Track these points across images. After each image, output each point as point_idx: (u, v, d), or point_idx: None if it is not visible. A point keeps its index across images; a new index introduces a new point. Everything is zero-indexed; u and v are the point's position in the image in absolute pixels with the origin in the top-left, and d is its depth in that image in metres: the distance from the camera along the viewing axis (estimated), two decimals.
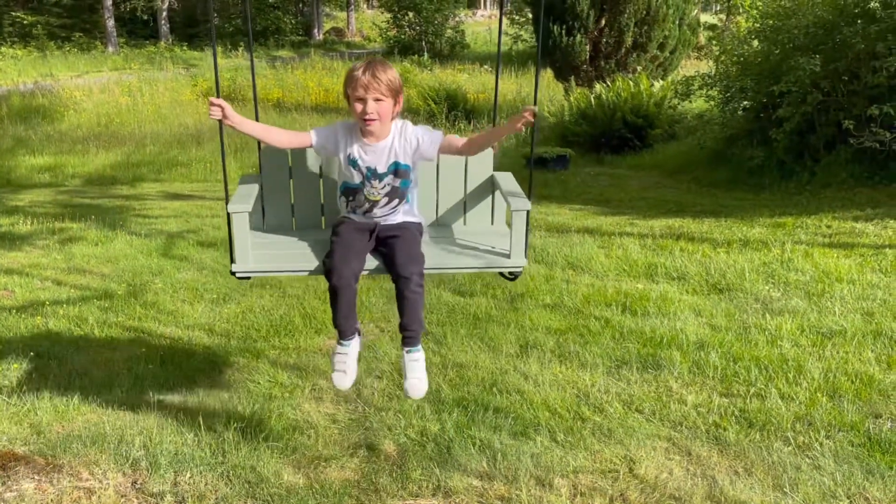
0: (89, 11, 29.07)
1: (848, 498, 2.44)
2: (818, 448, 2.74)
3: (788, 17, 8.21)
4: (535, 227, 6.27)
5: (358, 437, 2.95)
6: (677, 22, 13.38)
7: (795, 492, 2.48)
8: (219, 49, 24.16)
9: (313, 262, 2.67)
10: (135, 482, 2.60)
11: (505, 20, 27.17)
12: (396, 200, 2.78)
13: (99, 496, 2.52)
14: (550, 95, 14.63)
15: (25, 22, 26.93)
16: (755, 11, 9.08)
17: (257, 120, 2.93)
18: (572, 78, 13.90)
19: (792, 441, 2.80)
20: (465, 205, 3.16)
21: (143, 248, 5.89)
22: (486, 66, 19.15)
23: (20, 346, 3.86)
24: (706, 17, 23.01)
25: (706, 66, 11.60)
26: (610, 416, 3.02)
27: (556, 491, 2.49)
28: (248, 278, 2.77)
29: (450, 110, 13.32)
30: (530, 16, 18.54)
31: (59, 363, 3.67)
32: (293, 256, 2.76)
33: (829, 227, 5.98)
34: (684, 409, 3.07)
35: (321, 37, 33.22)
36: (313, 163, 3.03)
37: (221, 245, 6.02)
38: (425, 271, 2.62)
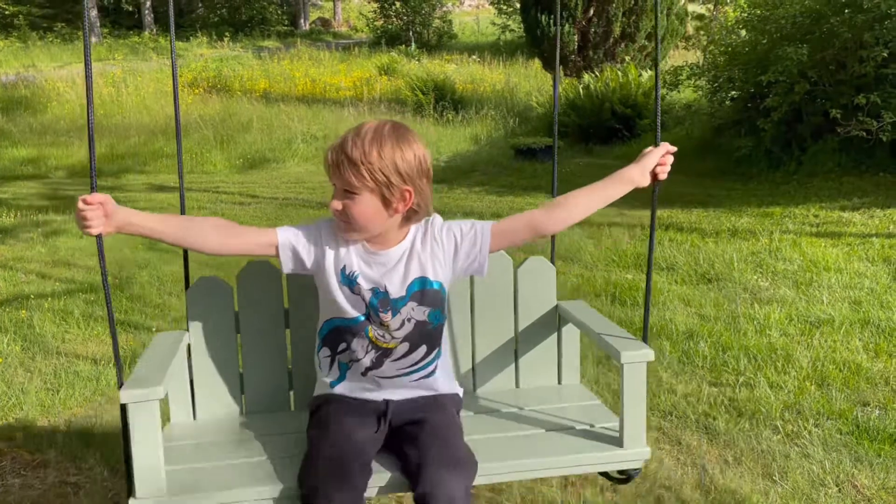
0: (72, 1, 28.74)
1: (837, 485, 2.45)
2: (807, 436, 2.75)
3: (776, 6, 8.23)
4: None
5: None
6: (665, 12, 13.37)
7: (785, 480, 2.49)
8: (203, 39, 23.98)
9: (278, 483, 1.66)
10: (122, 477, 2.57)
11: (492, 10, 27.09)
12: (424, 348, 1.76)
13: (87, 491, 2.49)
14: (539, 86, 14.61)
15: (7, 12, 26.60)
16: (743, 1, 9.09)
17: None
18: (561, 68, 13.88)
19: (781, 429, 2.81)
20: (517, 353, 2.15)
21: (128, 241, 5.83)
22: (473, 57, 19.09)
23: (4, 340, 3.82)
24: (694, 7, 23.02)
25: (694, 57, 11.61)
26: None
27: (547, 482, 2.49)
28: None
29: (437, 101, 13.27)
30: (518, 5, 18.48)
31: (45, 357, 3.63)
32: (242, 473, 1.72)
33: (816, 216, 6.01)
34: (674, 398, 3.07)
35: (307, 27, 33.01)
36: (274, 295, 1.99)
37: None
38: (477, 483, 1.64)
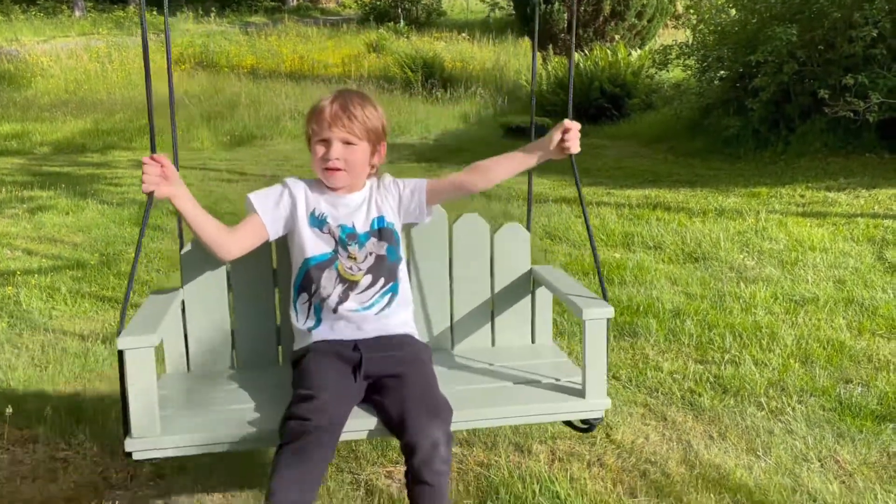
0: None
1: (819, 460, 2.49)
2: (790, 412, 2.79)
3: None
4: (512, 197, 6.27)
5: None
6: None
7: (768, 455, 2.53)
8: (189, 14, 23.64)
9: (263, 427, 1.77)
10: (112, 452, 2.58)
11: None
12: (382, 280, 2.00)
13: (76, 466, 2.50)
14: (528, 64, 14.53)
15: None
16: None
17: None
18: (550, 46, 13.82)
19: (765, 406, 2.85)
20: (493, 313, 2.29)
21: (115, 217, 5.80)
22: (463, 34, 18.95)
23: None
24: None
25: (683, 36, 11.58)
26: None
27: (534, 457, 2.52)
28: (157, 460, 1.78)
29: (426, 79, 13.19)
30: None
31: (32, 333, 3.62)
32: (231, 417, 1.82)
33: (802, 196, 6.05)
34: (660, 375, 3.11)
35: (295, 3, 32.59)
36: (263, 256, 2.10)
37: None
38: (453, 429, 1.77)
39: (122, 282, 4.37)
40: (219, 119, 10.86)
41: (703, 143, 8.65)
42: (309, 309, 2.01)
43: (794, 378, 3.05)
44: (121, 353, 1.71)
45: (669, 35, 15.10)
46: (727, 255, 4.63)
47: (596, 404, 1.94)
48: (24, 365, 3.26)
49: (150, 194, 1.81)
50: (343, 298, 1.98)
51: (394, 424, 1.78)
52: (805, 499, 2.29)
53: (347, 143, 1.95)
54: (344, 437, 1.79)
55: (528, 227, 2.33)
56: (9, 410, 2.76)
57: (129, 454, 1.75)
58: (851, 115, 7.07)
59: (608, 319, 1.92)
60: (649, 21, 13.83)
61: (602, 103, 11.17)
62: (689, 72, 9.77)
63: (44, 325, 3.73)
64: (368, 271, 1.99)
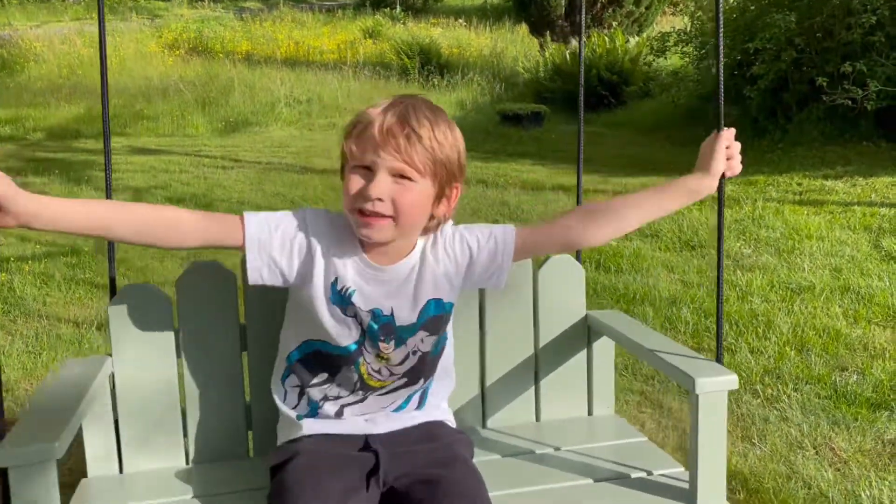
0: None
1: (814, 448, 2.50)
2: (786, 400, 2.80)
3: None
4: (508, 185, 6.25)
5: None
6: None
7: (763, 442, 2.53)
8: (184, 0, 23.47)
9: None
10: None
11: None
12: (422, 380, 1.43)
13: (69, 454, 2.49)
14: (525, 51, 14.46)
15: None
16: None
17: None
18: (547, 33, 13.74)
19: (761, 393, 2.85)
20: (537, 375, 1.74)
21: None
22: (460, 21, 18.86)
23: None
24: None
25: (681, 23, 11.53)
26: None
27: None
28: None
29: (423, 65, 13.12)
30: None
31: (26, 320, 3.60)
32: None
33: (799, 184, 6.04)
34: None
35: None
36: (227, 306, 1.56)
37: (191, 200, 5.90)
38: None
39: (117, 268, 4.34)
40: (213, 105, 10.79)
41: (701, 131, 8.55)
42: (301, 396, 1.42)
43: (790, 366, 3.05)
44: (3, 471, 1.20)
45: (667, 22, 15.03)
46: (724, 243, 4.63)
47: None
48: (18, 352, 3.25)
49: None
50: (359, 401, 1.41)
51: None
52: (800, 486, 2.29)
53: (402, 175, 1.25)
54: None
55: (577, 258, 1.78)
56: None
57: None
58: (849, 103, 7.05)
59: (728, 392, 1.43)
60: (647, 8, 13.77)
61: (600, 91, 11.12)
62: (686, 59, 9.73)
63: (38, 311, 3.71)
64: (405, 375, 1.40)
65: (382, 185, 1.24)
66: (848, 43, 7.25)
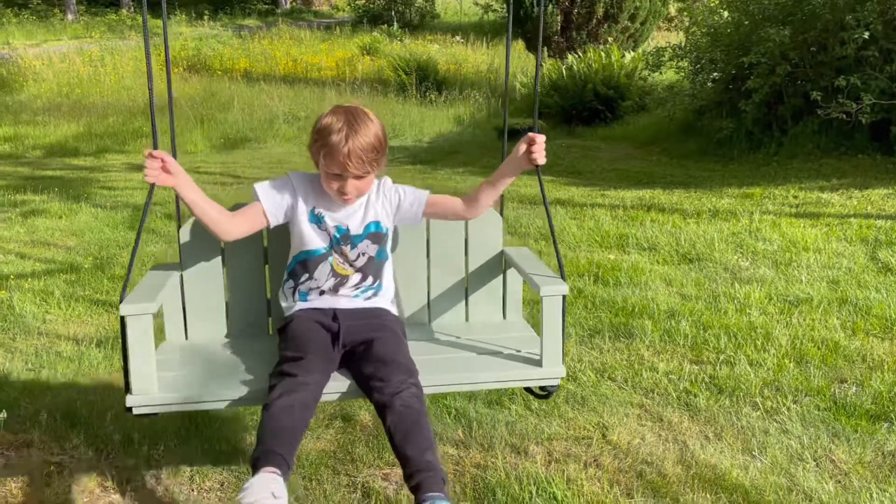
0: None
1: (814, 460, 2.50)
2: (785, 412, 2.80)
3: None
4: (506, 199, 6.27)
5: (334, 408, 2.96)
6: None
7: (764, 455, 2.54)
8: (182, 17, 23.60)
9: (252, 386, 1.95)
10: (107, 456, 2.57)
11: None
12: (371, 278, 2.19)
13: (71, 471, 2.48)
14: (522, 67, 14.56)
15: None
16: None
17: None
18: (544, 49, 13.84)
19: (760, 406, 2.86)
20: (467, 291, 2.46)
21: (108, 221, 5.78)
22: (457, 37, 18.99)
23: None
24: None
25: (676, 38, 11.64)
26: (583, 384, 3.06)
27: (531, 458, 2.52)
28: (154, 415, 1.97)
29: (420, 82, 13.19)
30: None
31: (26, 338, 3.60)
32: (223, 378, 2.01)
33: (795, 197, 6.07)
34: (656, 376, 3.11)
35: (288, 5, 32.57)
36: (256, 234, 2.24)
37: (191, 218, 5.91)
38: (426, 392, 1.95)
39: (115, 285, 4.35)
40: (212, 122, 10.84)
41: (697, 144, 8.67)
42: (294, 293, 2.19)
43: (789, 378, 3.06)
44: (123, 319, 1.88)
45: (662, 37, 15.15)
46: (721, 256, 4.65)
47: (552, 372, 2.11)
48: (19, 369, 3.25)
49: (152, 186, 1.96)
50: (334, 289, 2.17)
51: (365, 379, 1.94)
52: (801, 498, 2.30)
53: (359, 177, 2.06)
54: (322, 398, 1.97)
55: (500, 212, 2.49)
56: (3, 415, 2.75)
57: (130, 409, 1.92)
58: (844, 116, 7.10)
59: (563, 296, 2.07)
60: (642, 23, 13.87)
61: (596, 105, 11.19)
62: (682, 74, 9.80)
63: (37, 328, 3.71)
64: (359, 270, 2.17)
65: (351, 187, 2.07)
66: (842, 57, 7.31)
